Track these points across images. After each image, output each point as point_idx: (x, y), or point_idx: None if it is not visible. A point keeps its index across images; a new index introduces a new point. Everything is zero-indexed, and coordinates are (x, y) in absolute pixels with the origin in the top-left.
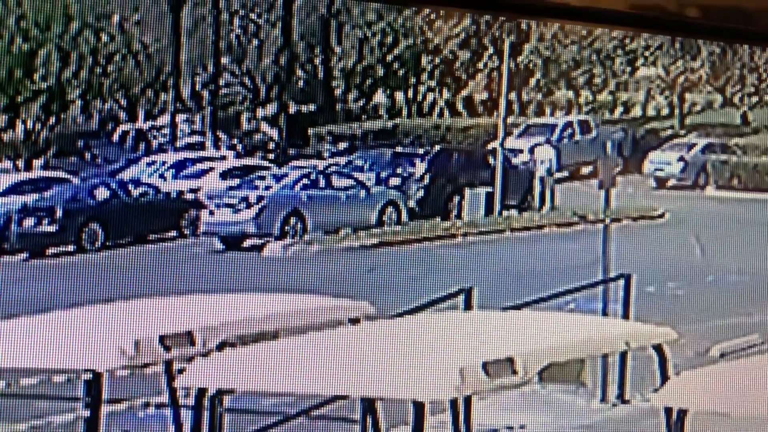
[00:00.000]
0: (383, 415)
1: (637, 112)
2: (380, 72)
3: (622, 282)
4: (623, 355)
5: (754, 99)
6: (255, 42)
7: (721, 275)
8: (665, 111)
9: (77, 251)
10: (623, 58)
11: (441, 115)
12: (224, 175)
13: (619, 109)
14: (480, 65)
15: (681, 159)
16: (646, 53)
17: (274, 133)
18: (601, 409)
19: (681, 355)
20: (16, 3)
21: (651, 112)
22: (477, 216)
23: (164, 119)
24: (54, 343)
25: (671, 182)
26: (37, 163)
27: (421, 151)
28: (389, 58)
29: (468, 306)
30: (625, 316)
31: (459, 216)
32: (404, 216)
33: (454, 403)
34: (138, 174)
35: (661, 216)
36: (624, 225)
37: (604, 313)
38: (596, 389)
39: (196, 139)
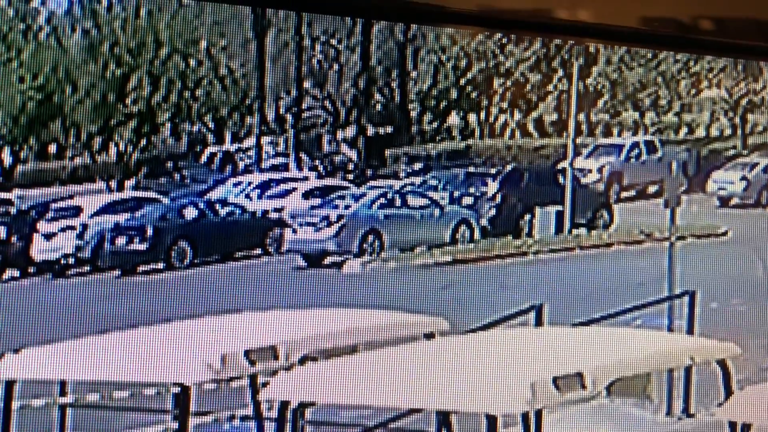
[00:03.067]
0: (457, 427)
1: (701, 132)
2: (454, 95)
3: (686, 298)
4: (688, 370)
5: None
6: (335, 67)
7: None
8: (728, 131)
9: (167, 269)
10: (687, 80)
11: (512, 136)
12: (306, 195)
13: (684, 130)
14: (550, 87)
15: (743, 178)
16: (710, 75)
17: (353, 155)
18: (667, 422)
19: (744, 370)
20: (110, 31)
21: (714, 132)
22: (547, 234)
23: (250, 141)
24: (144, 357)
25: (734, 201)
26: (129, 183)
27: (493, 170)
28: (462, 81)
29: (539, 322)
30: (690, 331)
31: (530, 234)
32: (477, 234)
33: (525, 416)
34: (225, 194)
35: (725, 234)
36: (689, 243)
37: (670, 329)
38: (662, 403)
39: (280, 160)
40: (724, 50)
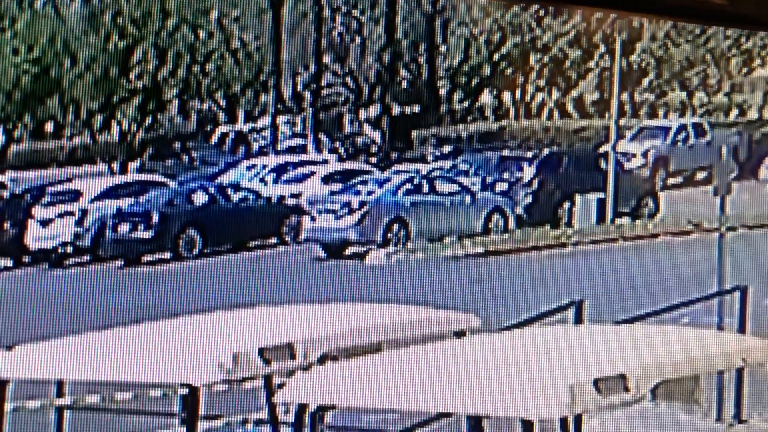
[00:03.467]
0: None
1: (753, 114)
2: (487, 71)
3: (737, 294)
4: (740, 372)
5: None
6: (358, 40)
7: None
8: None
9: (174, 259)
10: (739, 58)
11: (550, 116)
12: (326, 180)
13: (735, 112)
14: (591, 64)
15: None
16: (763, 53)
17: (376, 136)
18: (717, 428)
19: None
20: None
21: None
22: (588, 224)
23: (265, 121)
24: (149, 355)
25: None
26: (133, 165)
27: (529, 154)
28: (496, 56)
29: (578, 319)
30: (742, 330)
31: (569, 224)
32: (511, 223)
33: (564, 421)
34: (237, 178)
35: None
36: (740, 234)
37: (720, 327)
38: (711, 408)
39: (297, 141)
40: (736, 21)
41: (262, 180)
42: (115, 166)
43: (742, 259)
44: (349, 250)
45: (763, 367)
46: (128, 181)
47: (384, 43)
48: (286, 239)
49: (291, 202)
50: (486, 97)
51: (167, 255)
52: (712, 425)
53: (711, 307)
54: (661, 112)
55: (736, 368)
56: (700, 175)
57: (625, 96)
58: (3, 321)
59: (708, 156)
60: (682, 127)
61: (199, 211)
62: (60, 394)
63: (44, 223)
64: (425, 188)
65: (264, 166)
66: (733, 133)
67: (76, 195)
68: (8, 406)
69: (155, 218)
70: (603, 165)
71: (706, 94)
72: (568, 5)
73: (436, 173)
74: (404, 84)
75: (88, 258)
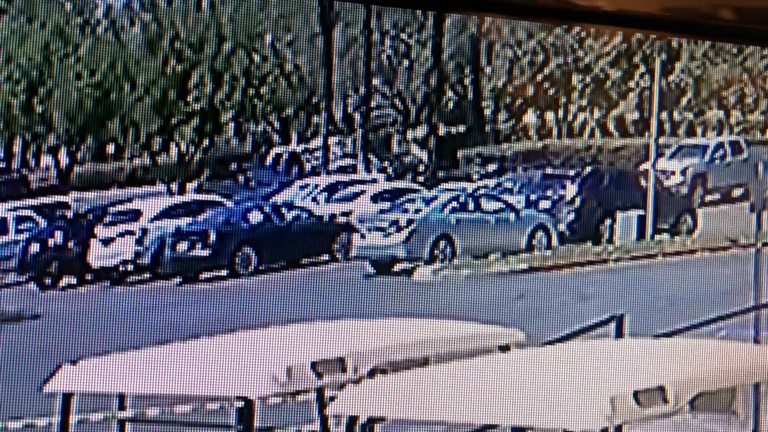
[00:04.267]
0: None
1: None
2: (530, 92)
3: None
4: None
5: None
6: (405, 63)
7: None
8: None
9: (230, 276)
10: None
11: (592, 135)
12: (375, 198)
13: None
14: (631, 84)
15: None
16: None
17: (423, 156)
18: None
19: None
20: (171, 25)
21: None
22: (629, 240)
23: (317, 142)
24: (207, 369)
25: None
26: (191, 186)
27: (571, 172)
28: (539, 77)
29: (619, 333)
30: None
31: (610, 240)
32: (554, 240)
33: None
34: (291, 197)
35: None
36: None
37: (756, 341)
38: (748, 419)
39: (347, 162)
40: (746, 38)
41: (314, 199)
42: (174, 186)
43: None
44: (398, 267)
45: None
46: (186, 201)
47: (431, 65)
48: (337, 256)
49: (341, 220)
50: (530, 117)
51: (224, 272)
52: None
53: (748, 320)
54: (699, 130)
55: None
56: (737, 192)
57: (664, 115)
58: (67, 336)
59: (745, 173)
60: (720, 145)
61: (255, 229)
62: (122, 407)
63: (106, 242)
64: (471, 206)
65: (316, 186)
66: None
67: (136, 215)
68: (74, 419)
69: (212, 237)
70: (643, 182)
71: (743, 112)
72: (578, 23)
73: (482, 191)
74: (450, 105)
75: (148, 276)
